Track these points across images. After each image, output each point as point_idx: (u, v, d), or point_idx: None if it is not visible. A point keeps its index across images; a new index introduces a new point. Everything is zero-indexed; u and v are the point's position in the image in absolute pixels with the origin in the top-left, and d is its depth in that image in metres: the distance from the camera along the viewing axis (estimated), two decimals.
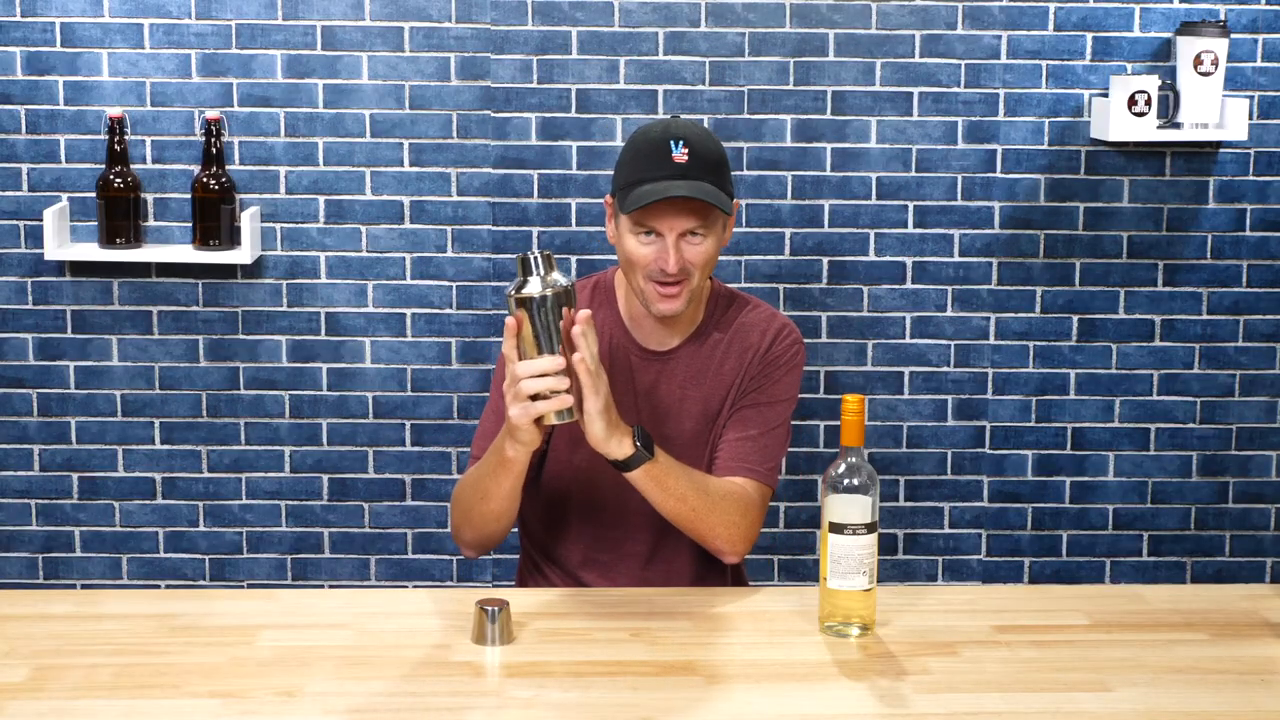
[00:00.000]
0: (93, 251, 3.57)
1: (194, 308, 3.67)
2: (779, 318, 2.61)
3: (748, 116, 3.66)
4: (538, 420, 2.23)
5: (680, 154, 2.40)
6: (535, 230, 3.67)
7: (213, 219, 3.57)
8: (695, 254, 2.42)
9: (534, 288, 2.19)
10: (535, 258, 2.19)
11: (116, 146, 3.55)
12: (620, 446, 2.29)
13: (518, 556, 2.75)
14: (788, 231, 3.70)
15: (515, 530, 2.65)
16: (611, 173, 3.64)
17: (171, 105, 3.61)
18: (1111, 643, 2.23)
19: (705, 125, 2.49)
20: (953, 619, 2.31)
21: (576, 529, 2.57)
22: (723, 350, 2.55)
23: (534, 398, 2.20)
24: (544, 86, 3.63)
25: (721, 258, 3.66)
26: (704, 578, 2.58)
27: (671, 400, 2.53)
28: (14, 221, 3.63)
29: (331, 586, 3.75)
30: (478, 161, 3.66)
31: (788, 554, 3.81)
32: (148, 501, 3.73)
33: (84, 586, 3.73)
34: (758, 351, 2.55)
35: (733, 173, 3.65)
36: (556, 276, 2.20)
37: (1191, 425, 3.80)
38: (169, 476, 3.72)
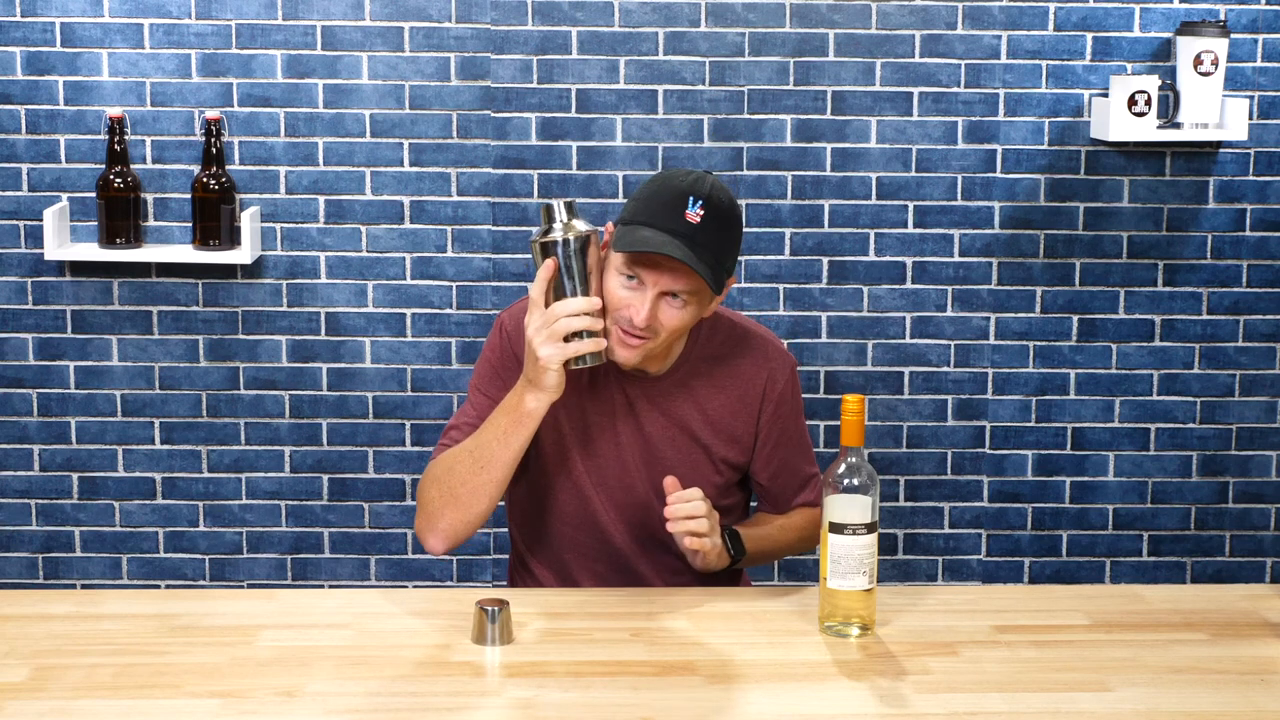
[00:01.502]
0: (93, 251, 3.57)
1: (194, 308, 3.67)
2: (766, 345, 2.56)
3: (748, 116, 3.66)
4: (565, 364, 2.27)
5: (695, 213, 2.31)
6: (535, 230, 3.66)
7: (213, 219, 3.57)
8: (670, 317, 2.35)
9: (558, 232, 2.23)
10: (558, 205, 2.23)
11: (116, 146, 3.55)
12: (720, 561, 2.46)
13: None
14: (788, 231, 3.70)
15: (506, 530, 2.65)
16: (610, 173, 3.66)
17: (171, 105, 3.61)
18: (1111, 643, 2.23)
19: (731, 194, 2.42)
20: (953, 619, 2.31)
21: (572, 522, 2.54)
22: (712, 384, 2.52)
23: (567, 339, 2.25)
24: (544, 86, 3.63)
25: None
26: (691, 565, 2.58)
27: (655, 424, 2.50)
28: (14, 221, 3.63)
29: (331, 586, 3.75)
30: (478, 161, 3.66)
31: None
32: (148, 501, 3.73)
33: (84, 586, 3.73)
34: (762, 398, 2.53)
35: (733, 173, 3.66)
36: (579, 223, 2.24)
37: (1191, 425, 3.80)
38: (169, 476, 3.72)
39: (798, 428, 2.60)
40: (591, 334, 2.26)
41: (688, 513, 2.36)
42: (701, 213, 2.31)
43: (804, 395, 3.70)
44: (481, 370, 2.52)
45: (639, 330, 2.34)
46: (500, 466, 2.36)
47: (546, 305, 2.26)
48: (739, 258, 2.59)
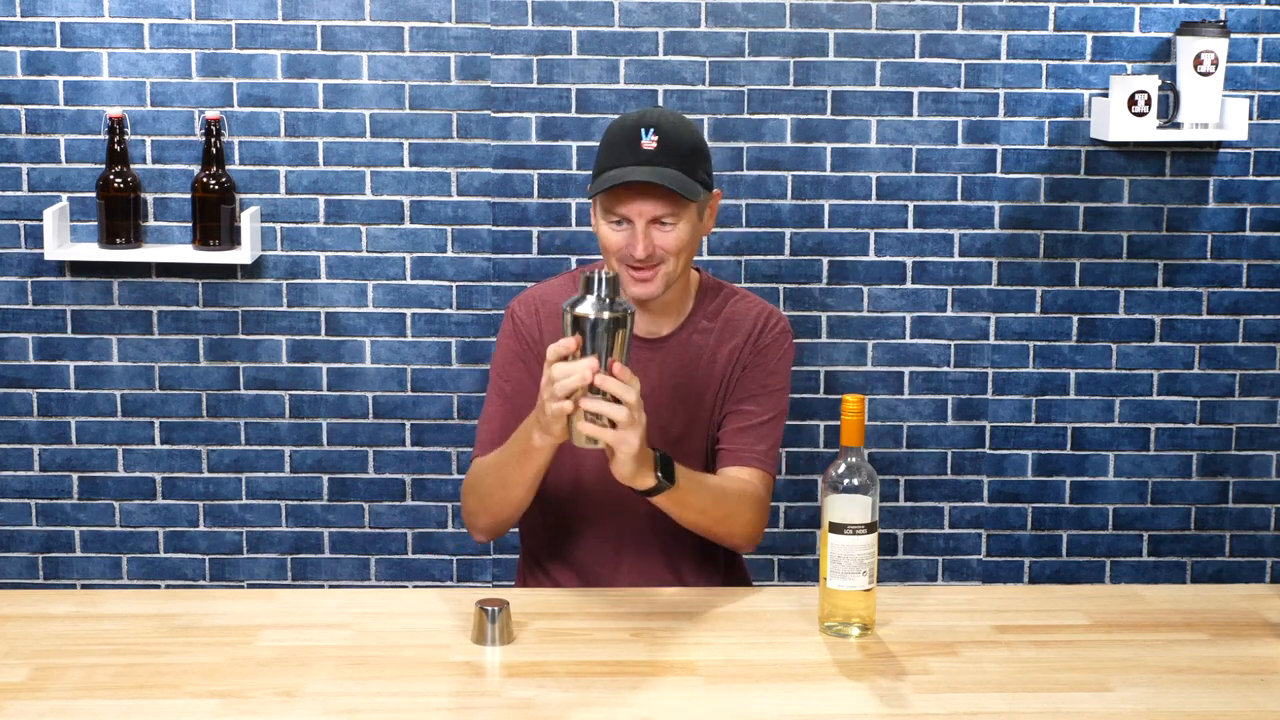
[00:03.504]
0: (93, 251, 3.57)
1: (194, 308, 3.67)
2: (765, 306, 2.61)
3: (748, 116, 3.66)
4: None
5: (649, 141, 2.41)
6: (535, 230, 3.67)
7: (213, 219, 3.57)
8: (666, 240, 2.43)
9: (589, 308, 2.18)
10: (598, 278, 2.18)
11: (116, 146, 3.55)
12: (644, 479, 2.29)
13: (517, 557, 2.75)
14: (788, 231, 3.70)
15: (515, 530, 2.65)
16: None
17: (171, 105, 3.61)
18: (1111, 643, 2.23)
19: (683, 115, 2.51)
20: (953, 619, 2.31)
21: (580, 526, 2.57)
22: (713, 341, 2.57)
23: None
24: (544, 86, 3.63)
25: (722, 258, 3.67)
26: (705, 566, 2.59)
27: (663, 390, 2.54)
28: (14, 221, 3.63)
29: (331, 586, 3.75)
30: (478, 161, 3.66)
31: (788, 554, 3.81)
32: (148, 501, 3.73)
33: (84, 586, 3.73)
34: (749, 339, 2.57)
35: (733, 173, 3.65)
36: (617, 301, 2.19)
37: (1191, 425, 3.80)
38: (169, 476, 3.72)
39: (774, 383, 2.57)
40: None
41: (616, 388, 2.16)
42: (656, 138, 2.41)
43: (803, 395, 3.71)
44: (497, 360, 2.58)
45: (643, 263, 2.43)
46: (519, 486, 2.41)
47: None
48: (715, 172, 2.61)
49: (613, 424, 2.17)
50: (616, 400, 2.17)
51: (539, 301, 2.58)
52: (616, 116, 2.55)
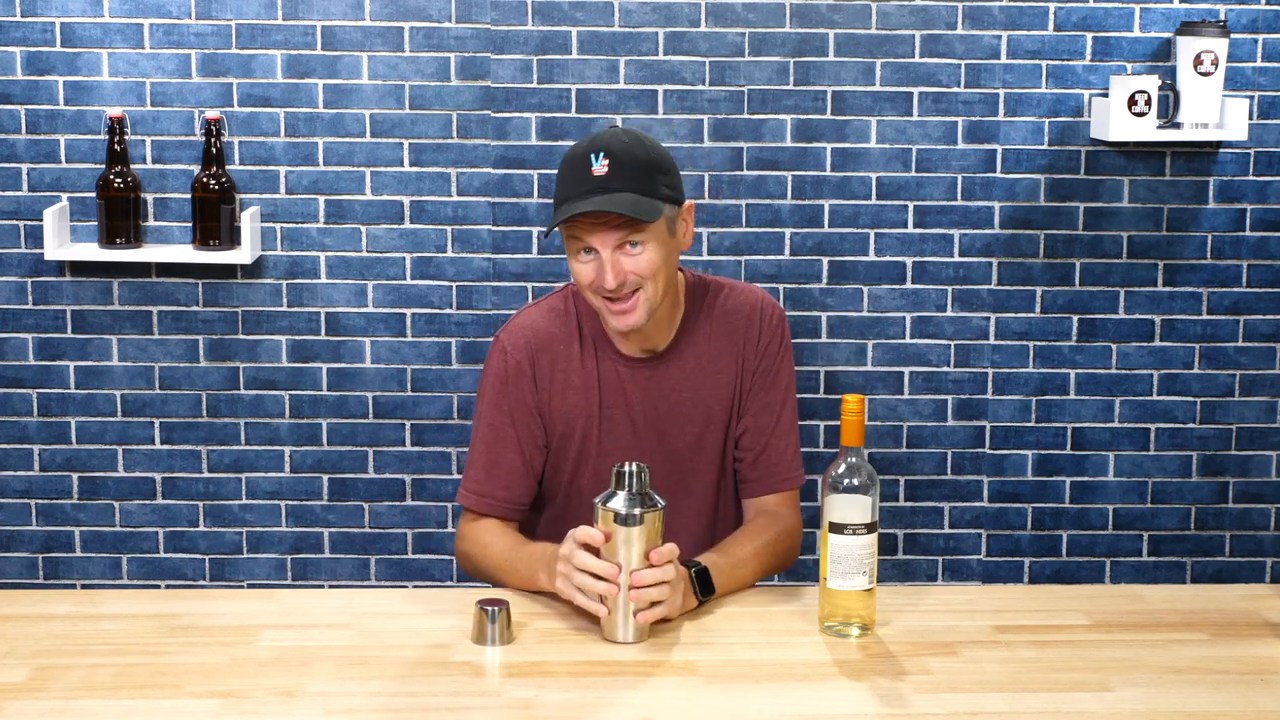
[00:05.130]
0: (93, 251, 3.57)
1: (194, 308, 3.67)
2: (756, 296, 2.55)
3: (748, 116, 3.66)
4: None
5: (600, 167, 2.33)
6: (535, 230, 3.67)
7: (213, 219, 3.57)
8: (638, 264, 2.36)
9: (620, 503, 2.18)
10: (629, 472, 2.18)
11: (116, 146, 3.55)
12: (689, 606, 2.30)
13: None
14: (788, 231, 3.70)
15: None
16: None
17: (171, 105, 3.61)
18: (1111, 643, 2.23)
19: (639, 133, 2.40)
20: (953, 619, 2.31)
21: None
22: (712, 346, 2.52)
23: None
24: (544, 86, 3.63)
25: (722, 258, 3.67)
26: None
27: (667, 407, 2.51)
28: (14, 221, 3.63)
29: (331, 586, 3.75)
30: (478, 161, 3.66)
31: None
32: (148, 501, 3.73)
33: (84, 586, 3.73)
34: (748, 342, 2.52)
35: (733, 173, 3.65)
36: (649, 495, 2.19)
37: (1191, 425, 3.80)
38: (169, 476, 3.72)
39: (782, 381, 2.56)
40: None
41: (656, 579, 2.19)
42: (606, 162, 2.33)
43: (804, 395, 3.71)
44: (487, 395, 2.51)
45: (617, 293, 2.36)
46: (517, 588, 2.40)
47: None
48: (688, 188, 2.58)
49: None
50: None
51: (530, 332, 2.50)
52: (572, 145, 2.49)
